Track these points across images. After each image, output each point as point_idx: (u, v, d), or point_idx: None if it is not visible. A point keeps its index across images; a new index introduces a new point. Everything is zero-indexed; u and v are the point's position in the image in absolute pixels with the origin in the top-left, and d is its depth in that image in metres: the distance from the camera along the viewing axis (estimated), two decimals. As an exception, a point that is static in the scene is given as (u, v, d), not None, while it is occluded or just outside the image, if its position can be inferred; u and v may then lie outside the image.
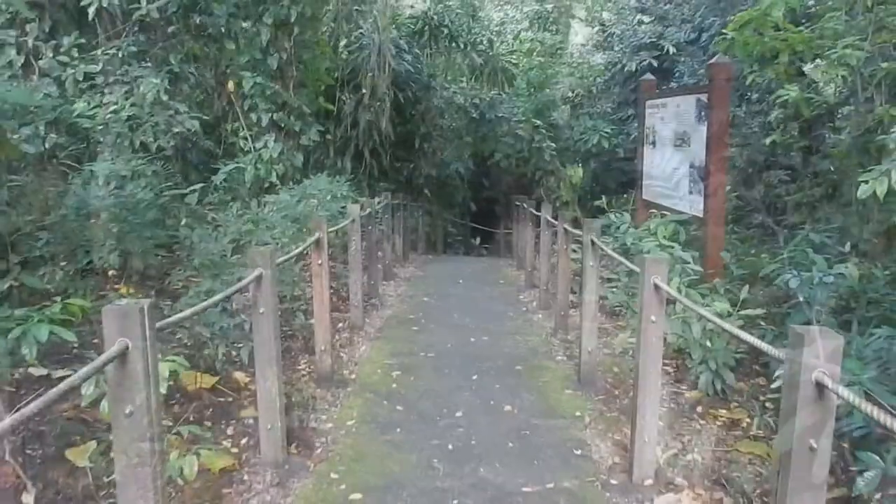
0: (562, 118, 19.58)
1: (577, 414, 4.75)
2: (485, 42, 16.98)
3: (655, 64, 17.56)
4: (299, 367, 5.50)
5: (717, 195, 6.70)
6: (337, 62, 14.11)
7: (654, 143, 8.50)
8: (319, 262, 5.05)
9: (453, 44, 16.05)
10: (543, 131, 15.74)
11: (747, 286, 5.37)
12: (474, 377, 5.49)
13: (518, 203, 12.18)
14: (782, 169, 11.87)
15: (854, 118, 9.70)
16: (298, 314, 6.06)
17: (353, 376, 5.48)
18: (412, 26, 16.25)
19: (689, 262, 5.91)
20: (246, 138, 9.40)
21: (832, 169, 10.97)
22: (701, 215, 6.90)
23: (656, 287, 3.57)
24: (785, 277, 4.96)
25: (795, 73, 10.11)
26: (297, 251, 4.63)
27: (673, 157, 7.73)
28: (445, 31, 15.84)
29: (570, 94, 20.89)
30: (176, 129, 7.96)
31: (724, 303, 5.12)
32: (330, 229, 5.63)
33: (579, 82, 20.28)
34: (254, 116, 9.32)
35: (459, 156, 17.23)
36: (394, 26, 15.50)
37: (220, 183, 8.88)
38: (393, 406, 4.87)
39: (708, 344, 4.93)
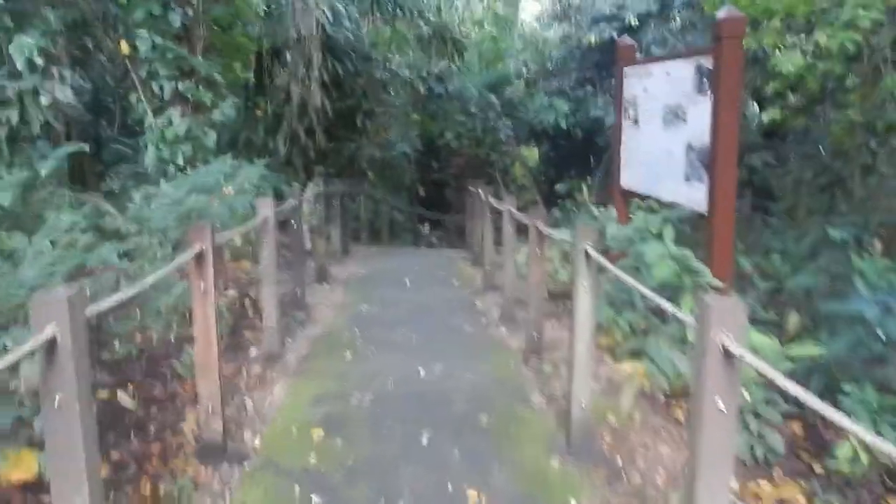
0: (516, 95, 18.19)
1: None
2: (433, 9, 15.43)
3: (616, 36, 16.24)
4: (179, 431, 3.98)
5: (726, 184, 5.33)
6: (263, 27, 12.44)
7: (635, 120, 7.12)
8: (202, 286, 3.53)
9: (398, 10, 14.45)
10: (498, 108, 14.27)
11: (795, 313, 4.01)
12: (424, 437, 4.03)
13: (473, 189, 10.74)
14: (766, 150, 10.67)
15: (860, 90, 8.50)
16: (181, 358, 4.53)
17: (257, 442, 3.96)
18: (350, -11, 14.60)
19: (708, 278, 4.54)
20: (145, 112, 7.74)
21: (822, 150, 9.80)
22: (703, 209, 5.54)
23: (726, 353, 2.16)
24: (854, 305, 3.61)
25: (796, 38, 8.87)
26: (123, 296, 3.07)
27: (662, 136, 6.35)
28: (388, -5, 14.24)
29: (523, 69, 19.52)
30: (45, 101, 6.29)
31: (765, 336, 3.75)
32: (221, 237, 4.10)
33: (534, 57, 18.90)
34: (155, 86, 7.66)
35: (406, 135, 15.71)
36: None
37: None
38: (307, 496, 3.39)
39: (745, 395, 3.57)
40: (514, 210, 6.54)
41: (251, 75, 13.53)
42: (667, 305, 2.66)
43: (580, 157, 19.36)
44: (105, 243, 4.18)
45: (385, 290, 8.17)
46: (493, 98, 14.70)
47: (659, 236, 5.25)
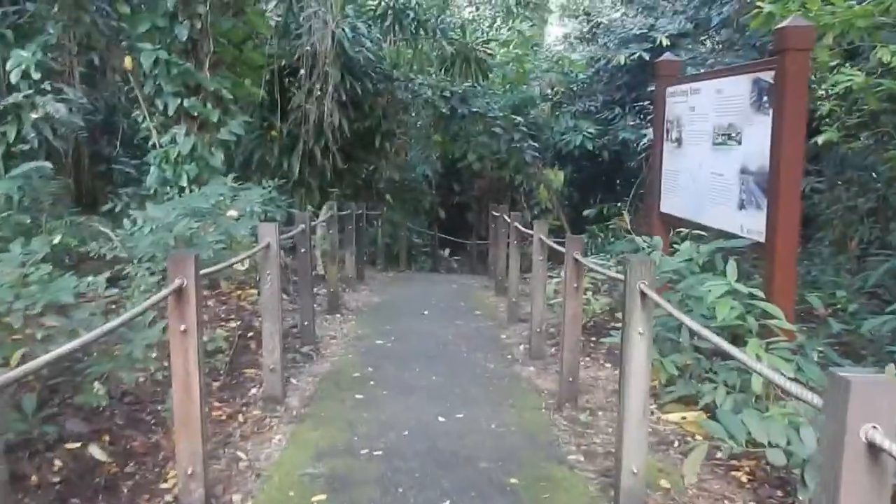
0: (541, 117, 17.64)
1: None
2: (456, 29, 14.93)
3: (647, 57, 15.71)
4: (157, 492, 3.38)
5: (789, 211, 4.71)
6: (279, 44, 11.99)
7: (677, 141, 6.52)
8: (182, 327, 2.95)
9: (420, 30, 13.96)
10: (524, 129, 13.71)
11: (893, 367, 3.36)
12: (445, 506, 3.42)
13: (496, 214, 10.15)
14: (813, 174, 9.98)
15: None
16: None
17: (246, 511, 3.37)
18: (373, 8, 14.15)
19: (780, 322, 3.91)
20: (150, 130, 7.24)
21: (874, 175, 9.11)
22: (762, 238, 4.92)
23: (870, 447, 1.55)
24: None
25: (843, 56, 8.25)
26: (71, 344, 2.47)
27: (711, 158, 5.75)
28: (411, 14, 13.74)
29: (549, 91, 18.98)
30: (37, 115, 5.79)
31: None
32: (208, 270, 3.53)
33: (560, 78, 18.36)
34: (159, 103, 7.16)
35: (427, 157, 15.19)
36: (351, 7, 13.43)
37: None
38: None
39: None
40: (545, 237, 5.93)
41: (265, 93, 13.10)
42: (780, 381, 2.03)
43: (607, 181, 18.73)
44: (66, 276, 3.60)
45: (401, 321, 7.58)
46: (518, 119, 14.11)
47: (711, 269, 4.61)
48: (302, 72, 12.07)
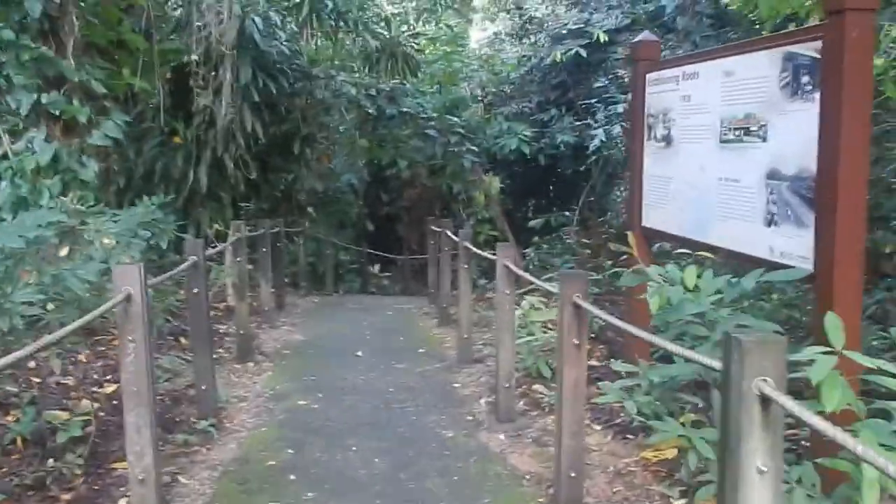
0: (474, 119, 16.41)
1: None
2: (381, 23, 13.54)
3: (584, 54, 14.69)
4: None
5: (851, 228, 3.50)
6: (183, 36, 10.40)
7: (665, 140, 5.28)
8: None
9: (341, 22, 12.51)
10: (461, 132, 12.40)
11: None
12: None
13: (436, 228, 8.83)
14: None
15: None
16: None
17: None
18: (287, -1, 12.64)
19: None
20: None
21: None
22: (807, 265, 3.70)
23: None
24: None
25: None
26: None
27: (719, 160, 4.52)
28: (330, 4, 12.29)
29: (479, 91, 17.79)
30: None
31: None
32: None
33: (491, 78, 17.19)
34: (10, 101, 5.56)
35: (352, 164, 13.72)
36: (262, -5, 11.93)
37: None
38: None
39: None
40: (512, 265, 4.61)
41: (166, 92, 11.48)
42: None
43: (545, 187, 17.66)
44: None
45: (330, 367, 6.15)
46: (455, 120, 12.80)
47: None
48: (210, 69, 10.53)
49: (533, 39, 17.01)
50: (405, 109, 12.40)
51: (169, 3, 11.55)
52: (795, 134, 3.81)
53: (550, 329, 5.89)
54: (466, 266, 6.30)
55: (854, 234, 3.52)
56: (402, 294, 13.68)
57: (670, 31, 12.79)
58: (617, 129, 9.93)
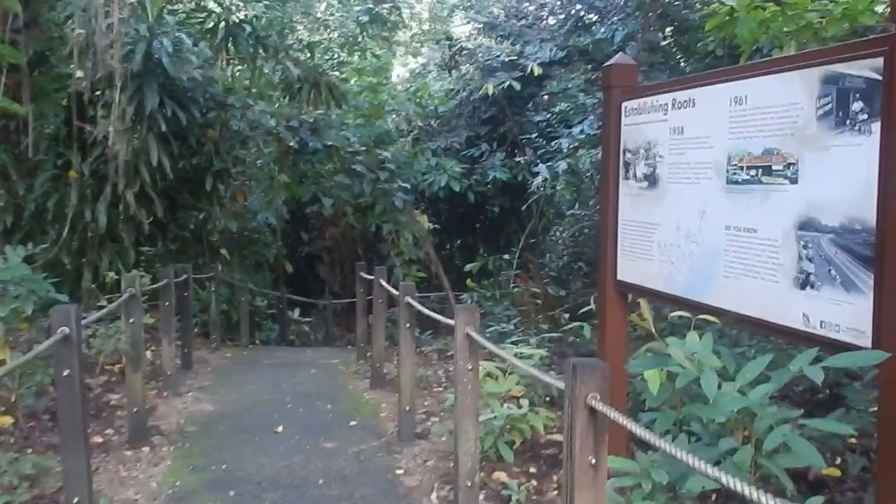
0: (401, 154, 15.54)
1: None
2: (304, 50, 12.57)
3: (518, 87, 14.10)
4: None
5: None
6: (82, 60, 9.21)
7: (648, 180, 4.47)
8: None
9: (260, 48, 11.49)
10: (391, 167, 11.47)
11: None
12: None
13: (367, 276, 7.85)
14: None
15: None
16: None
17: None
18: (201, 20, 11.56)
19: None
20: None
21: None
22: (861, 341, 2.90)
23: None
24: None
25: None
26: None
27: (727, 205, 3.71)
28: (248, 28, 11.27)
29: (405, 125, 16.95)
30: None
31: None
32: None
33: (419, 111, 16.39)
34: None
35: (270, 201, 12.60)
36: (172, 15, 10.86)
37: None
38: None
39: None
40: (476, 333, 3.67)
41: (60, 122, 10.25)
42: None
43: (471, 226, 16.91)
44: None
45: (245, 450, 5.05)
46: (385, 154, 11.86)
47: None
48: (107, 95, 9.34)
49: (463, 71, 16.33)
50: (330, 143, 11.41)
51: (68, 24, 10.34)
52: (842, 175, 3.02)
53: (512, 402, 4.97)
54: (409, 326, 5.32)
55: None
56: (325, 342, 12.61)
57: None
58: (562, 166, 9.18)
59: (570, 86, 13.65)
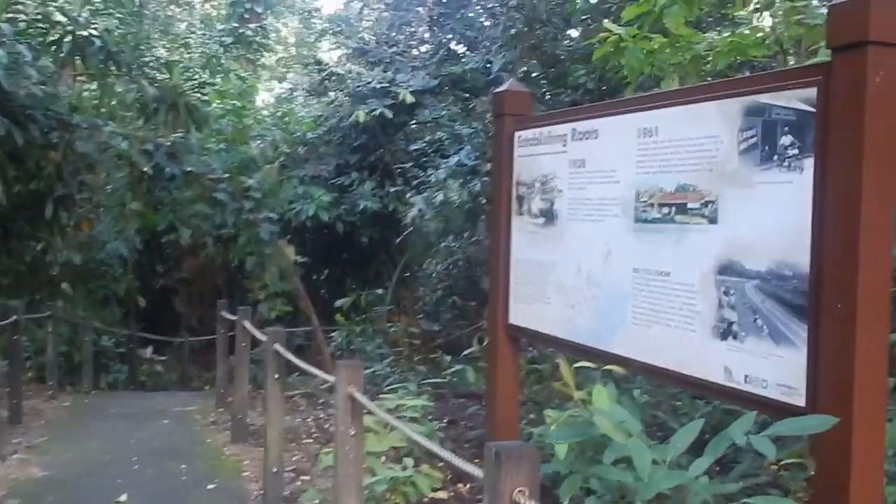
0: (266, 182, 14.79)
1: None
2: (161, 68, 11.69)
3: (390, 115, 13.79)
4: None
5: (871, 349, 2.45)
6: None
7: (545, 216, 4.11)
8: None
9: (112, 64, 10.55)
10: (256, 196, 10.76)
11: None
12: None
13: (229, 316, 7.14)
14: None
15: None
16: None
17: None
18: (44, 31, 10.50)
19: None
20: None
21: None
22: (794, 399, 2.59)
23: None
24: None
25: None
26: None
27: (636, 245, 3.40)
28: (97, 43, 10.31)
29: (271, 152, 16.22)
30: None
31: None
32: None
33: (286, 137, 15.74)
34: None
35: (121, 231, 11.56)
36: (10, 28, 9.80)
37: None
38: None
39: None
40: (360, 396, 3.16)
41: None
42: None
43: (339, 257, 16.33)
44: None
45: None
46: (250, 182, 11.12)
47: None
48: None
49: (332, 97, 15.85)
50: (189, 168, 10.58)
51: None
52: (769, 215, 2.73)
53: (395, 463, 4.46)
54: (277, 377, 4.72)
55: (876, 356, 2.47)
56: (181, 384, 11.61)
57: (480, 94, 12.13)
58: (438, 197, 8.83)
59: (442, 114, 13.50)
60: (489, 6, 13.25)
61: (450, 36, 15.28)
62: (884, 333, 2.49)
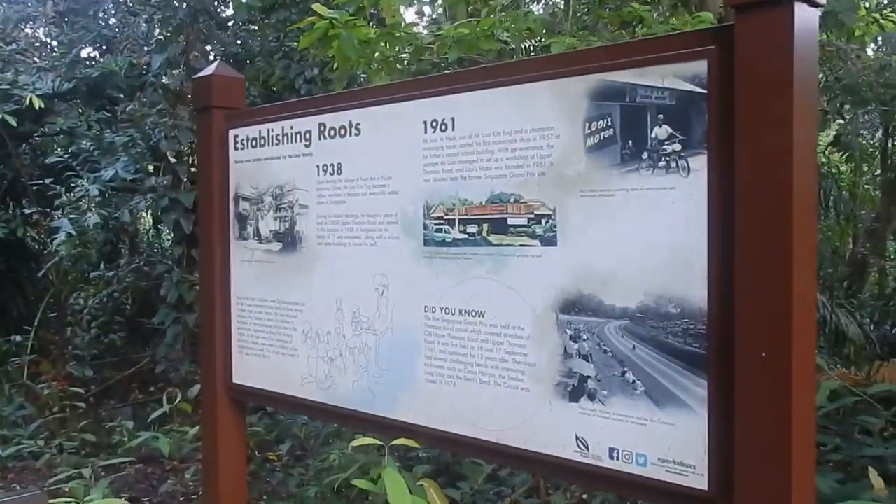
0: None
1: None
2: None
3: (14, 122, 11.45)
4: None
5: (807, 396, 1.84)
6: None
7: (283, 240, 3.07)
8: None
9: None
10: None
11: None
12: None
13: None
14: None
15: None
16: None
17: None
18: None
19: None
20: None
21: None
22: (700, 482, 1.93)
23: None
24: None
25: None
26: None
27: (427, 277, 2.53)
28: None
29: None
30: None
31: None
32: None
33: None
34: None
35: None
36: None
37: None
38: None
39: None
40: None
41: None
42: None
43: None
44: None
45: None
46: None
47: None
48: None
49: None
50: None
51: None
52: (639, 233, 2.04)
53: None
54: None
55: (809, 419, 1.87)
56: None
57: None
58: (94, 219, 7.15)
59: (79, 124, 11.57)
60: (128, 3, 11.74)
61: (81, 33, 13.31)
62: (813, 386, 1.92)
